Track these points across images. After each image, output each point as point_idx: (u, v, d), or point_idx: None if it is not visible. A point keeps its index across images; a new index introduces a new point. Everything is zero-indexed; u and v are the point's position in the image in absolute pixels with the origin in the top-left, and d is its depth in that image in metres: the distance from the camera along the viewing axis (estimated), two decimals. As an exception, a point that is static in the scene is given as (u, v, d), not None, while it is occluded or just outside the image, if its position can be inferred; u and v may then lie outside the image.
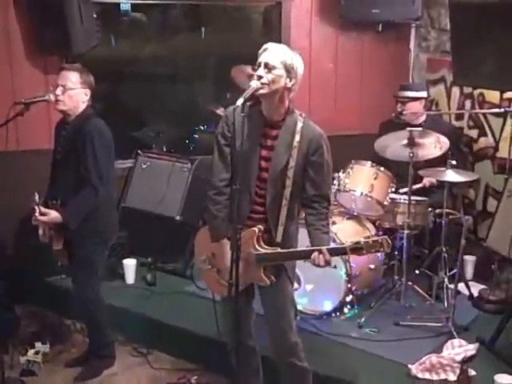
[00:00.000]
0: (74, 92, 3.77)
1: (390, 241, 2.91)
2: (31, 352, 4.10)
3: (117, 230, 4.02)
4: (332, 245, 3.29)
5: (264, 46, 3.00)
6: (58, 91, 3.75)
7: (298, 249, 3.16)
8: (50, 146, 4.02)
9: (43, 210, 3.71)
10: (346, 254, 3.01)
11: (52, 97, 3.81)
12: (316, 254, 2.94)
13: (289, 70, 2.94)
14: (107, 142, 3.79)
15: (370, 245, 2.89)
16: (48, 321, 4.63)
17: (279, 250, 3.03)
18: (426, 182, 4.68)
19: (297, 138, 3.01)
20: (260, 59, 2.96)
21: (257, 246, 3.02)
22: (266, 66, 2.92)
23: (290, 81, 2.96)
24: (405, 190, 4.43)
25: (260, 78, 2.91)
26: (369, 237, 4.32)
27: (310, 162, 3.05)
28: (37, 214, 3.70)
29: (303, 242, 3.20)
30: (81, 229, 3.72)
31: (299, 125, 3.04)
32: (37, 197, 3.76)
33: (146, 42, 6.04)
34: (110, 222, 3.95)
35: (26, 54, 4.92)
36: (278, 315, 3.16)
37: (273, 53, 2.95)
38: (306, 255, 3.01)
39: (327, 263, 2.95)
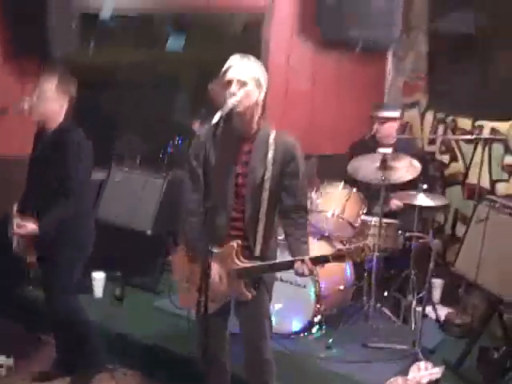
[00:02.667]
0: (49, 102, 3.61)
1: (370, 246, 2.99)
2: (-6, 364, 4.03)
3: (93, 241, 3.88)
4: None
5: (229, 62, 2.96)
6: (34, 99, 3.60)
7: (280, 260, 3.17)
8: (24, 153, 3.92)
9: (21, 222, 3.64)
10: (329, 262, 3.02)
11: (26, 105, 3.72)
12: (299, 263, 2.96)
13: (259, 84, 2.96)
14: (86, 155, 3.69)
15: (352, 251, 2.94)
16: (13, 333, 4.53)
17: (259, 263, 3.04)
18: (393, 205, 4.71)
19: (271, 149, 3.01)
20: (229, 76, 2.93)
21: (236, 261, 3.02)
22: (238, 82, 2.91)
23: (260, 94, 2.97)
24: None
25: (233, 95, 2.89)
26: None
27: (286, 172, 3.05)
28: (15, 227, 3.64)
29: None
30: (58, 239, 3.66)
31: (272, 136, 3.04)
32: (15, 208, 3.71)
33: (124, 52, 5.99)
34: (87, 232, 3.85)
35: (1, 58, 4.83)
36: (255, 331, 3.16)
37: (242, 68, 2.93)
38: (288, 266, 3.03)
39: (310, 272, 2.98)
